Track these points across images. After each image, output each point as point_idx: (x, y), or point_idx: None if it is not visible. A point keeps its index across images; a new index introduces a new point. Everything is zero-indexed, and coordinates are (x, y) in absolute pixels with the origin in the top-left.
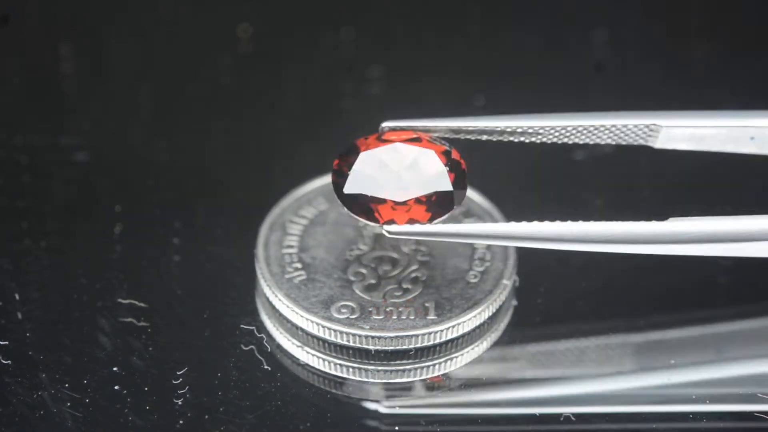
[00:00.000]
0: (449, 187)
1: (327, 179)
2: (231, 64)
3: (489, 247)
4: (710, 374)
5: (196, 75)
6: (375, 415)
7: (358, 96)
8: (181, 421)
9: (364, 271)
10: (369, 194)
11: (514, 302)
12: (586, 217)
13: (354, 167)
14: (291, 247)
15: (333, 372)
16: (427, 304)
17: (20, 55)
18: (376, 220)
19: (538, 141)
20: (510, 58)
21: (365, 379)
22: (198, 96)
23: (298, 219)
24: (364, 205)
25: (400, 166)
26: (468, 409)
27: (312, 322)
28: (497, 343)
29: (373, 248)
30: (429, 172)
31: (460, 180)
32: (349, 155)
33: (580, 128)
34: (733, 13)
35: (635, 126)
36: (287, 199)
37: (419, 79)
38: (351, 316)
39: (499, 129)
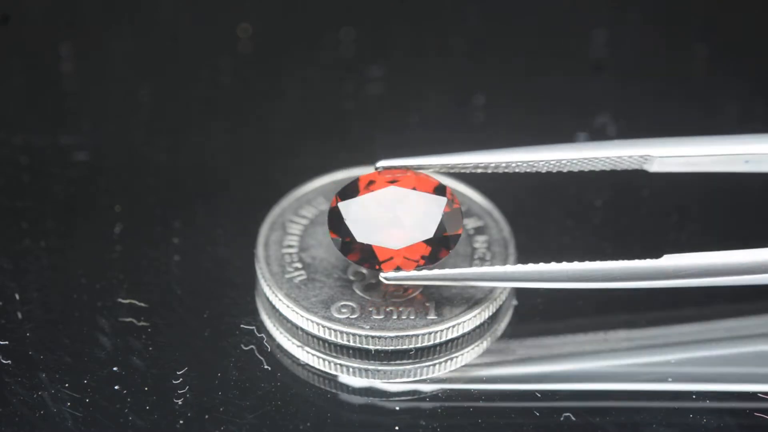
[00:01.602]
0: (443, 236)
1: (327, 179)
2: (231, 64)
3: (489, 247)
4: (710, 372)
5: (196, 75)
6: (375, 415)
7: (358, 96)
8: (181, 421)
9: (364, 270)
10: (366, 243)
11: (514, 302)
12: (587, 216)
13: (350, 217)
14: (291, 246)
15: (333, 372)
16: (427, 304)
17: (20, 55)
18: (373, 263)
19: (533, 172)
20: (509, 58)
21: (365, 379)
22: (198, 96)
23: (298, 219)
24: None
25: (394, 215)
26: (467, 409)
27: (312, 321)
28: (497, 343)
29: None
30: (424, 220)
31: (455, 219)
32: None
33: (573, 161)
34: (733, 14)
35: (629, 157)
36: (287, 198)
37: (419, 80)
38: (351, 316)
39: (493, 164)
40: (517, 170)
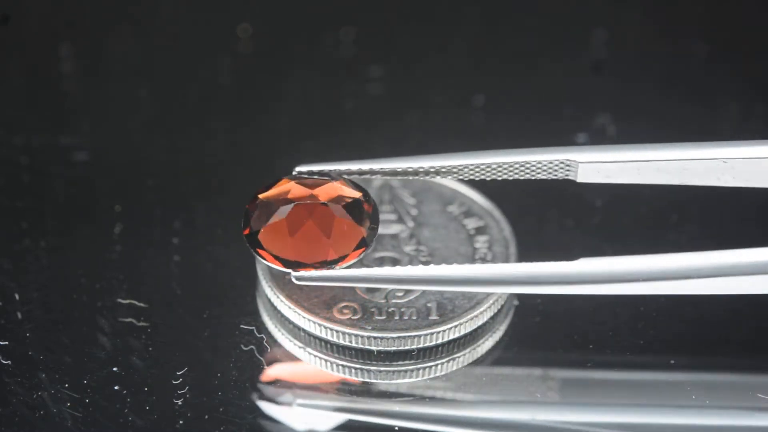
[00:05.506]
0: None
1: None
2: (231, 64)
3: (490, 246)
4: (709, 376)
5: (196, 75)
6: (376, 415)
7: (358, 96)
8: (181, 421)
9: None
10: (280, 255)
11: (515, 302)
12: (587, 216)
13: (268, 223)
14: None
15: (335, 373)
16: (429, 305)
17: (20, 55)
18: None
19: (454, 180)
20: (509, 58)
21: (367, 380)
22: (198, 96)
23: None
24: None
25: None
26: (466, 411)
27: (314, 323)
28: (498, 343)
29: (374, 249)
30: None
31: (370, 221)
32: (261, 207)
33: (493, 165)
34: (732, 14)
35: (550, 162)
36: None
37: (419, 80)
38: (353, 317)
39: (411, 170)
40: (438, 177)
